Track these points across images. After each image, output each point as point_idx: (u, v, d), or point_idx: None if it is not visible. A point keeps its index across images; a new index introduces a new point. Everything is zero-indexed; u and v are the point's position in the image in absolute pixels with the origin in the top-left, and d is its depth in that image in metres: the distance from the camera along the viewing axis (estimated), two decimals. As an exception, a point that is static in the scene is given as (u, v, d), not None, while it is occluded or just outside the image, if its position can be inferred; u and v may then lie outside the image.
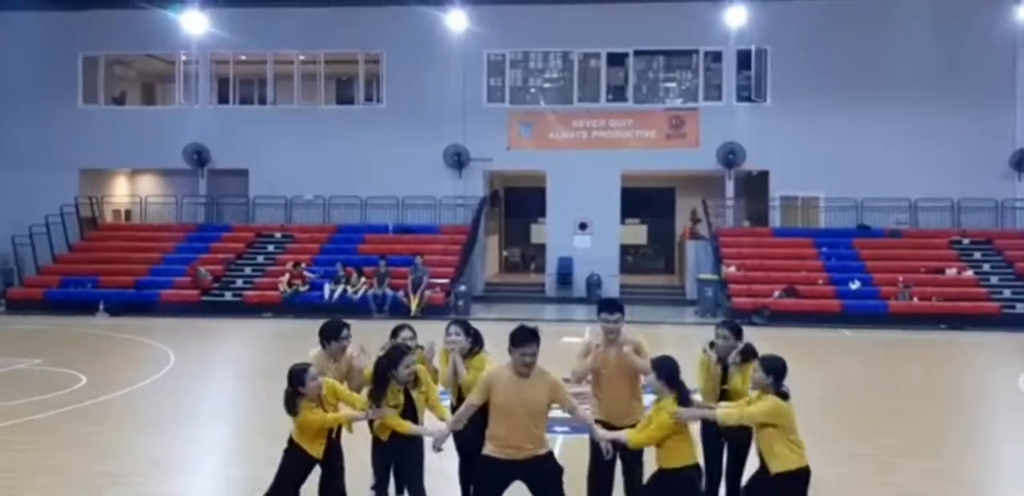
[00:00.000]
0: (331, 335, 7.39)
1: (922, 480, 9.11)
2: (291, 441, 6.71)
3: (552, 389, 6.27)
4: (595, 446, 6.75)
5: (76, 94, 28.49)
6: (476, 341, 7.62)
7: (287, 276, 23.86)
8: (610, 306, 7.16)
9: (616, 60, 27.58)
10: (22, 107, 27.77)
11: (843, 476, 9.18)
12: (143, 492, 8.52)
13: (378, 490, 6.90)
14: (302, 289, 23.65)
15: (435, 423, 7.05)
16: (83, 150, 27.57)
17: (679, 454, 6.26)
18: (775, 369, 6.36)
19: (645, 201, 29.84)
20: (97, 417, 11.62)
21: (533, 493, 6.23)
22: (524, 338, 6.17)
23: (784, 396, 6.40)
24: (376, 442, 6.82)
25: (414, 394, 6.78)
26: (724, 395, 7.26)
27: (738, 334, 7.39)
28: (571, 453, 8.74)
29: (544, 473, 6.19)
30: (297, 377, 6.58)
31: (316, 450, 6.62)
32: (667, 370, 6.37)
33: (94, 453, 9.81)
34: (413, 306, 22.82)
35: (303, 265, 24.28)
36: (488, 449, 6.26)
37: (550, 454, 6.33)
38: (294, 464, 6.67)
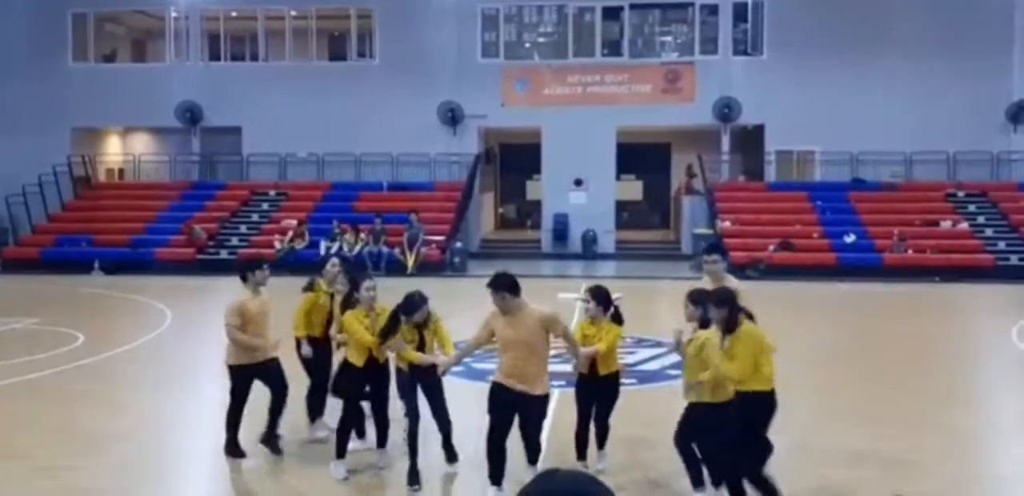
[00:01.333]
0: (251, 268, 8.49)
1: (917, 431, 9.20)
2: (344, 359, 7.98)
3: (542, 320, 7.01)
4: (579, 398, 7.88)
5: (66, 52, 28.19)
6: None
7: (290, 234, 23.86)
8: (709, 248, 8.48)
9: (611, 14, 27.28)
10: (11, 66, 27.47)
11: (837, 430, 9.29)
12: (149, 447, 8.61)
13: (411, 417, 7.52)
14: (298, 247, 23.65)
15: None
16: (74, 109, 27.34)
17: (614, 362, 7.83)
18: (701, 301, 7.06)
19: (640, 157, 29.71)
20: (96, 375, 11.70)
21: (520, 425, 7.17)
22: (491, 284, 7.04)
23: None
24: (399, 372, 7.68)
25: (425, 333, 7.58)
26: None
27: (696, 302, 7.03)
28: (567, 406, 8.85)
29: (533, 409, 7.09)
30: (355, 284, 7.97)
31: (359, 360, 7.76)
32: (602, 298, 7.74)
33: (93, 411, 9.88)
34: (409, 263, 22.85)
35: (306, 224, 24.29)
36: (497, 378, 7.21)
37: (544, 396, 7.15)
38: (347, 377, 7.93)
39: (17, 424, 9.38)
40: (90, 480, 7.82)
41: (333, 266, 8.78)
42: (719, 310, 6.69)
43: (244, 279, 8.42)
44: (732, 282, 7.93)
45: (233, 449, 8.22)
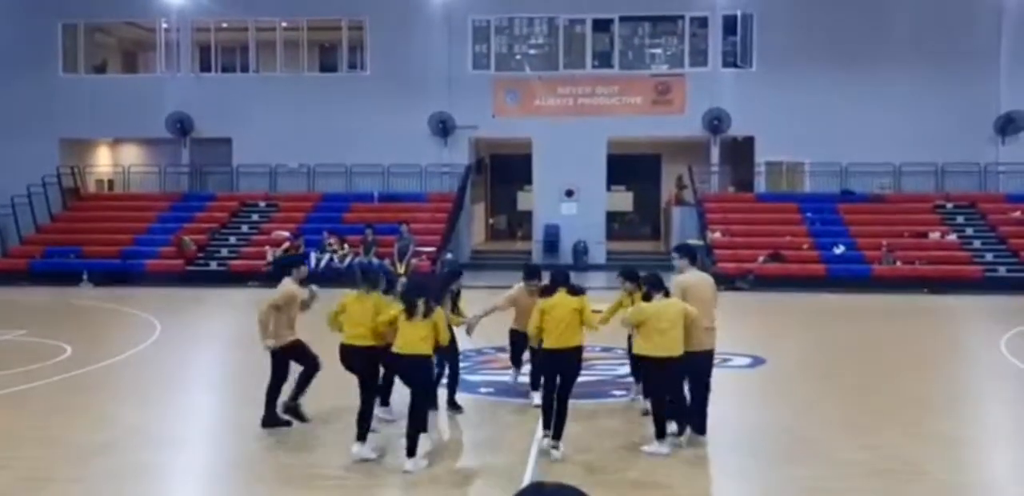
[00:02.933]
0: (295, 263, 10.24)
1: (907, 441, 9.20)
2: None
3: None
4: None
5: (56, 63, 28.16)
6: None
7: (286, 245, 23.81)
8: (673, 248, 10.51)
9: (602, 26, 27.38)
10: (0, 76, 27.42)
11: (827, 440, 9.29)
12: (131, 461, 8.55)
13: (439, 368, 9.63)
14: (288, 258, 23.59)
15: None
16: (64, 119, 27.29)
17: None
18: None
19: (631, 168, 29.80)
20: (83, 388, 11.62)
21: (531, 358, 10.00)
22: (530, 274, 10.05)
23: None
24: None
25: (458, 302, 10.08)
26: None
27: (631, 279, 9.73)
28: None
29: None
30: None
31: (444, 339, 8.73)
32: (631, 276, 9.82)
33: (81, 423, 9.82)
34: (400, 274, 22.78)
35: (302, 238, 24.24)
36: (516, 326, 10.26)
37: None
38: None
39: (2, 436, 9.32)
40: (74, 492, 7.77)
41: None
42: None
43: (288, 273, 9.76)
44: (679, 277, 9.22)
45: (274, 420, 9.39)
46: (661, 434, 8.58)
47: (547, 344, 8.59)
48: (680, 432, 8.86)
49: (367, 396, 8.53)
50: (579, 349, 8.64)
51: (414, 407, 8.15)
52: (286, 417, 9.42)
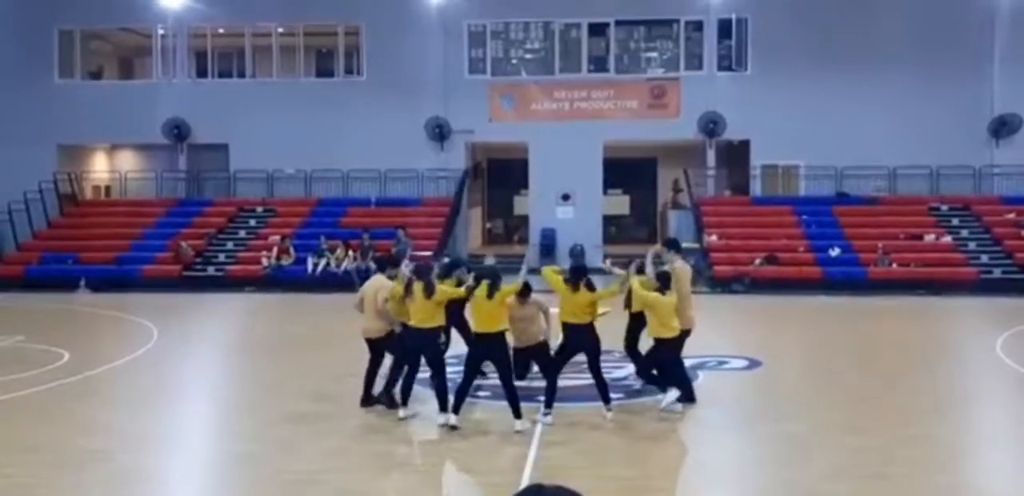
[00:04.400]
0: (392, 264, 11.06)
1: (903, 443, 9.23)
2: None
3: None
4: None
5: (52, 69, 28.16)
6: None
7: (275, 250, 23.82)
8: (667, 244, 11.89)
9: (597, 30, 27.43)
10: (-3, 82, 27.45)
11: (818, 444, 9.32)
12: (125, 467, 8.56)
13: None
14: (285, 264, 23.61)
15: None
16: (60, 126, 27.27)
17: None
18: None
19: (627, 172, 29.83)
20: (79, 393, 11.64)
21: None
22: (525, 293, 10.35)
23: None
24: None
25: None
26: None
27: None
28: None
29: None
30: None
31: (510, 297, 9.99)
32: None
33: (76, 429, 9.83)
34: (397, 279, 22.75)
35: (290, 240, 24.23)
36: (518, 344, 10.53)
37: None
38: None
39: None
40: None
41: (406, 266, 11.01)
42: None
43: (383, 269, 10.82)
44: (674, 266, 10.95)
45: (368, 401, 10.25)
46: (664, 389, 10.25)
47: (563, 318, 10.02)
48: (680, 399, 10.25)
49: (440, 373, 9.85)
50: (591, 324, 10.08)
51: (504, 380, 9.44)
52: (380, 400, 10.25)
